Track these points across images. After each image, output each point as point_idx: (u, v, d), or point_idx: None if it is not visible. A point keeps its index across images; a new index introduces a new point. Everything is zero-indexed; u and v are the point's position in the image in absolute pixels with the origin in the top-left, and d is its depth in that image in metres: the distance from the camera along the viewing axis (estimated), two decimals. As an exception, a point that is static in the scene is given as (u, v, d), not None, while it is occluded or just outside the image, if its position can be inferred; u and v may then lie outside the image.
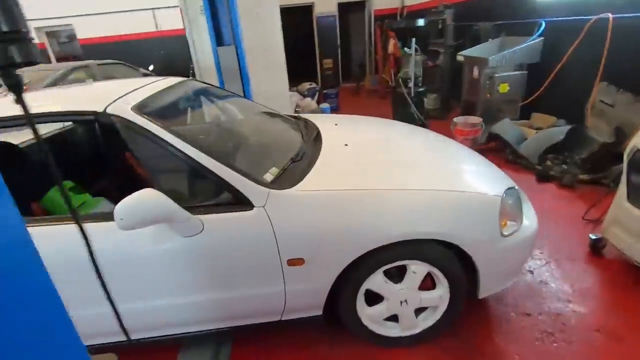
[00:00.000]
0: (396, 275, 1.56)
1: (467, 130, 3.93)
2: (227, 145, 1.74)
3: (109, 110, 1.41)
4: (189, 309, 1.49)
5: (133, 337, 1.55)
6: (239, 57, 3.27)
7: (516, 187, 1.74)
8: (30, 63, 0.63)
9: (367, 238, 1.40)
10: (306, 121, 2.31)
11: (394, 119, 4.65)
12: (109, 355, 0.80)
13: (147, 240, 1.35)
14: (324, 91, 6.84)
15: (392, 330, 1.66)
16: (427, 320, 1.66)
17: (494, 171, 1.88)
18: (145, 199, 1.21)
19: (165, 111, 1.62)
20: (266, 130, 2.15)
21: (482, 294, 1.62)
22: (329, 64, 9.36)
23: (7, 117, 1.42)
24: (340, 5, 8.96)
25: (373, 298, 1.59)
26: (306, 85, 7.28)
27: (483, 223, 1.50)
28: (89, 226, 1.26)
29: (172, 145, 1.36)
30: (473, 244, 1.48)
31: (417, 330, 1.66)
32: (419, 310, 1.64)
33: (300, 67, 9.41)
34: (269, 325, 1.60)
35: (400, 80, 4.43)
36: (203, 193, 1.43)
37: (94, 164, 2.09)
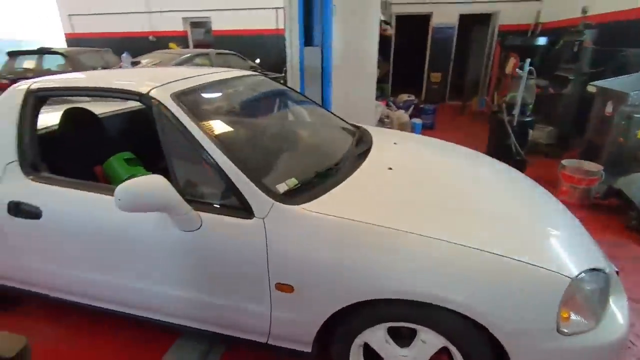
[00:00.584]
0: (406, 338, 1.28)
1: (578, 178, 3.18)
2: (252, 146, 1.66)
3: (151, 93, 1.46)
4: (176, 301, 1.46)
5: (132, 312, 1.60)
6: (324, 59, 3.21)
7: (607, 271, 1.27)
8: None
9: (369, 285, 1.17)
10: (363, 134, 2.12)
11: (486, 148, 4.07)
12: (18, 337, 0.78)
13: (148, 223, 1.35)
14: (421, 106, 6.40)
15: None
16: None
17: (583, 241, 1.42)
18: (150, 185, 1.20)
19: (204, 102, 1.62)
20: (308, 136, 2.03)
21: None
22: (437, 78, 8.79)
23: (72, 87, 1.58)
24: (462, 17, 8.30)
25: (375, 357, 1.33)
26: (404, 97, 6.95)
27: (533, 308, 1.11)
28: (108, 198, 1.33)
29: (192, 136, 1.34)
30: (511, 332, 1.11)
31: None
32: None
33: (404, 78, 9.07)
34: (257, 344, 1.48)
35: (504, 104, 3.82)
36: (212, 190, 1.37)
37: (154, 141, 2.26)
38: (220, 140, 1.36)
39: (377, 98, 7.12)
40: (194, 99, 1.55)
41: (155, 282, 1.45)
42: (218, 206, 1.33)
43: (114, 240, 1.44)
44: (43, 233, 1.53)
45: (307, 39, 3.29)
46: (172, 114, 1.39)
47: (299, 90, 3.39)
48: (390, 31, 8.10)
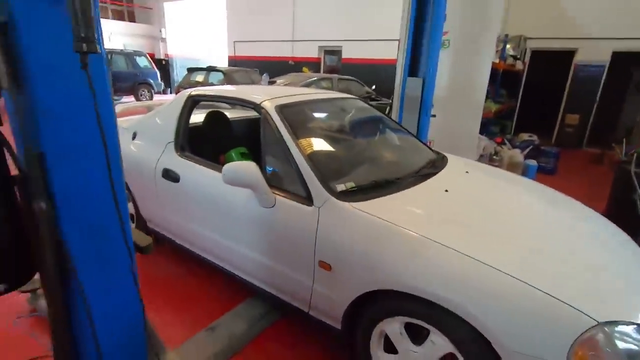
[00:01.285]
0: (420, 337, 1.41)
1: None
2: (327, 152, 2.01)
3: (262, 104, 1.97)
4: (250, 261, 1.89)
5: (223, 264, 2.10)
6: (425, 90, 3.40)
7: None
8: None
9: (389, 276, 1.37)
10: (439, 160, 2.27)
11: (607, 201, 3.55)
12: (147, 236, 1.27)
13: (242, 195, 1.81)
14: (542, 147, 5.83)
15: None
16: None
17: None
18: (245, 168, 1.67)
19: (299, 114, 2.06)
20: (379, 152, 2.28)
21: None
22: (574, 121, 7.79)
23: (216, 95, 2.23)
24: (616, 54, 7.24)
25: (392, 348, 1.50)
26: (524, 136, 6.44)
27: (544, 338, 1.14)
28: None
29: (282, 138, 1.77)
30: (516, 355, 1.16)
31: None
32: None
33: (532, 117, 8.30)
34: (300, 313, 1.78)
35: (636, 155, 3.30)
36: (287, 180, 1.77)
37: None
38: (302, 145, 1.76)
39: (494, 134, 6.78)
40: (291, 111, 2.00)
41: (239, 243, 1.91)
42: (289, 192, 1.71)
43: (219, 205, 1.96)
44: (178, 193, 2.18)
45: (414, 70, 3.53)
46: (273, 120, 1.86)
47: (396, 116, 3.64)
48: (520, 66, 7.61)
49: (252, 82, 8.74)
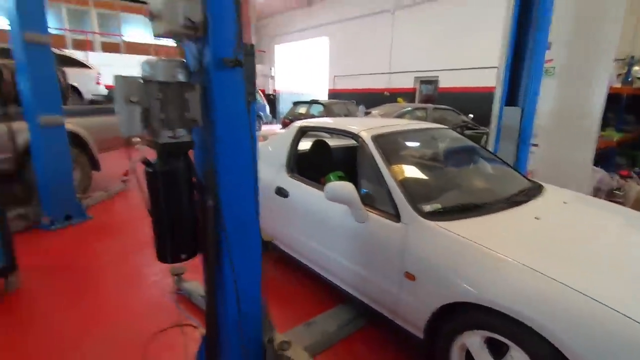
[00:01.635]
0: (501, 353, 1.48)
1: None
2: (417, 177, 2.20)
3: (360, 134, 2.30)
4: (344, 270, 2.17)
5: (321, 272, 2.43)
6: (524, 119, 3.34)
7: None
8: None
9: (469, 290, 1.49)
10: (534, 189, 2.27)
11: None
12: (267, 235, 1.65)
13: (339, 211, 2.13)
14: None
15: (479, 407, 1.56)
16: None
17: None
18: (343, 187, 2.00)
19: (392, 143, 2.33)
20: (469, 178, 2.36)
21: None
22: None
23: (320, 126, 2.65)
24: None
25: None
26: (660, 170, 5.49)
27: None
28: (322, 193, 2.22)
29: (376, 164, 2.06)
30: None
31: None
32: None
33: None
34: (386, 320, 1.97)
35: None
36: (379, 199, 2.03)
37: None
38: (393, 170, 2.02)
39: (619, 167, 5.93)
40: (385, 140, 2.28)
41: (335, 252, 2.22)
42: (380, 210, 1.97)
43: (319, 218, 2.32)
44: (287, 207, 2.61)
45: (512, 98, 3.50)
46: (368, 148, 2.17)
47: (493, 145, 3.62)
48: (655, 90, 6.57)
49: (349, 113, 9.34)
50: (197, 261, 1.51)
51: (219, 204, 1.39)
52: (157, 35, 1.32)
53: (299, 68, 17.50)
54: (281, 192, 2.66)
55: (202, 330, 1.97)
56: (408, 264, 1.75)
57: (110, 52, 15.12)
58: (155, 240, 1.43)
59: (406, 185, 1.96)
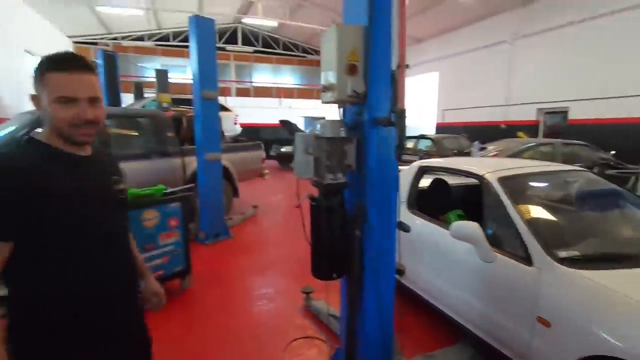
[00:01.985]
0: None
1: None
2: (550, 221, 2.14)
3: (485, 176, 2.39)
4: (468, 307, 2.21)
5: (443, 308, 2.51)
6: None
7: None
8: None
9: (612, 342, 1.43)
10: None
11: None
12: (401, 264, 1.86)
13: (464, 248, 2.23)
14: None
15: None
16: None
17: None
18: (469, 227, 2.11)
19: (520, 185, 2.34)
20: (613, 227, 2.16)
21: None
22: None
23: (440, 167, 2.80)
24: None
25: None
26: None
27: None
28: (445, 231, 2.36)
29: (504, 207, 2.12)
30: None
31: None
32: None
33: None
34: (515, 366, 1.94)
35: None
36: (508, 241, 2.06)
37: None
38: (523, 212, 2.05)
39: None
40: (513, 182, 2.31)
41: (458, 288, 2.30)
42: (508, 252, 2.00)
43: (443, 254, 2.43)
44: (408, 241, 2.79)
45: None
46: (495, 191, 2.24)
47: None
48: None
49: (461, 148, 9.06)
50: (323, 283, 1.81)
51: (364, 234, 1.69)
52: (325, 103, 1.74)
53: (407, 103, 17.72)
54: (402, 226, 2.85)
55: (331, 345, 2.26)
56: (542, 309, 1.75)
57: (242, 96, 17.90)
58: (312, 260, 1.79)
59: (537, 228, 1.96)
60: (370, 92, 1.58)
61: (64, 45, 14.81)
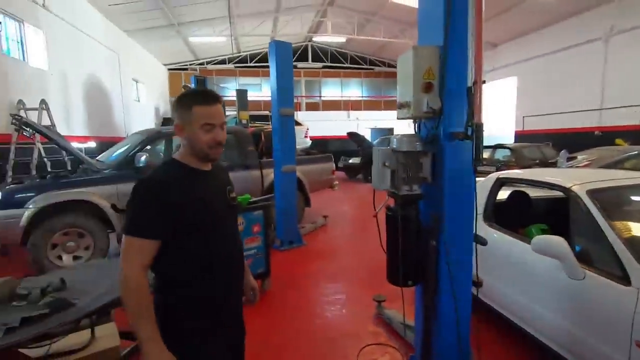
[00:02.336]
0: None
1: None
2: None
3: (572, 188, 2.26)
4: (551, 325, 2.10)
5: (523, 325, 2.41)
6: None
7: None
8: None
9: None
10: None
11: None
12: (479, 277, 1.85)
13: (549, 264, 2.12)
14: None
15: None
16: None
17: None
18: (554, 241, 2.02)
19: (614, 197, 2.17)
20: None
21: None
22: None
23: (518, 178, 2.69)
24: None
25: None
26: None
27: None
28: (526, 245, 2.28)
29: (596, 222, 1.99)
30: None
31: None
32: None
33: None
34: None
35: None
36: (599, 258, 1.93)
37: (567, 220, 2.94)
38: (618, 228, 1.91)
39: None
40: (605, 195, 2.16)
41: (542, 306, 2.19)
42: (600, 270, 1.88)
43: (524, 269, 2.34)
44: (487, 254, 2.73)
45: None
46: (584, 204, 2.11)
47: None
48: None
49: (544, 157, 8.32)
50: (394, 292, 1.88)
51: (440, 244, 1.75)
52: (401, 119, 1.85)
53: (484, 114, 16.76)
54: (478, 239, 2.79)
55: (404, 352, 2.31)
56: (641, 332, 1.61)
57: (311, 110, 18.64)
58: (388, 267, 1.90)
59: (636, 245, 1.81)
60: (445, 108, 1.66)
61: (162, 72, 17.07)
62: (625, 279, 1.75)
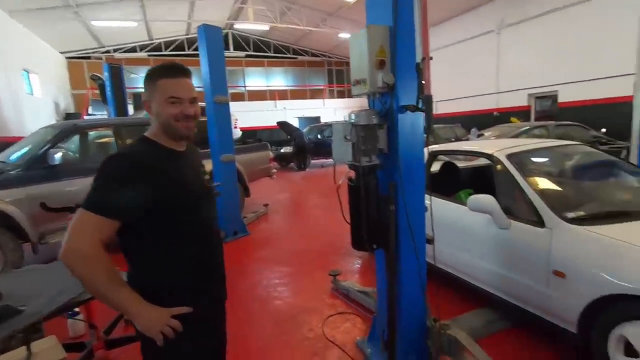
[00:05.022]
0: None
1: None
2: (555, 189, 2.40)
3: (495, 154, 2.64)
4: (488, 273, 2.46)
5: (465, 277, 2.76)
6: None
7: None
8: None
9: (618, 283, 1.69)
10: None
11: None
12: (430, 234, 2.10)
13: (481, 220, 2.47)
14: None
15: (645, 397, 1.69)
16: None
17: None
18: (485, 199, 2.36)
19: (525, 159, 2.60)
20: (610, 189, 2.43)
21: None
22: None
23: (451, 150, 3.05)
24: None
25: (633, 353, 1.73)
26: None
27: None
28: (461, 207, 2.60)
29: (514, 179, 2.37)
30: None
31: (676, 418, 1.57)
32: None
33: None
34: (535, 318, 2.19)
35: None
36: (519, 208, 2.31)
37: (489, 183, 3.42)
38: (532, 182, 2.31)
39: None
40: (519, 157, 2.57)
41: (478, 256, 2.54)
42: (521, 218, 2.26)
43: (461, 227, 2.68)
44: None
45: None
46: (504, 165, 2.49)
47: (636, 159, 3.47)
48: None
49: (457, 136, 9.36)
50: (346, 267, 2.05)
51: (398, 208, 1.92)
52: (357, 95, 1.97)
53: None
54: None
55: (364, 317, 2.50)
56: (556, 263, 2.00)
57: (237, 100, 18.07)
58: (353, 235, 2.02)
59: (547, 195, 2.22)
60: (398, 83, 1.81)
61: (59, 61, 14.88)
62: (540, 223, 2.13)
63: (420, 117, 1.89)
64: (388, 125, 1.91)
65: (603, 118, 8.46)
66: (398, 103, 1.84)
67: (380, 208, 1.98)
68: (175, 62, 1.23)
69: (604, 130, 7.38)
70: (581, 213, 2.09)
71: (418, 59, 1.83)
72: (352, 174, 1.99)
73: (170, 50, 17.18)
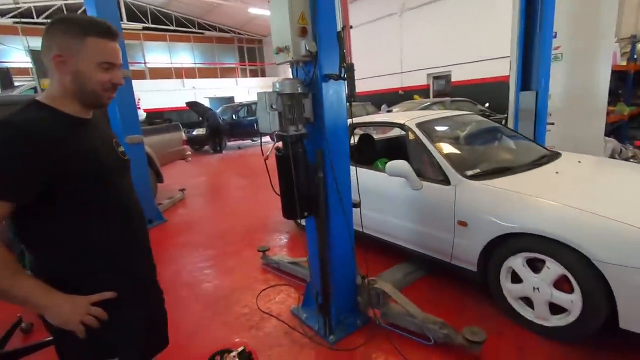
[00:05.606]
0: (538, 269, 2.03)
1: None
2: (457, 151, 2.77)
3: (406, 123, 2.88)
4: (404, 230, 2.74)
5: (385, 237, 3.00)
6: (538, 102, 3.84)
7: None
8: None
9: (510, 225, 2.05)
10: (553, 154, 2.82)
11: None
12: (355, 200, 2.24)
13: (397, 184, 2.71)
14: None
15: (526, 312, 2.10)
16: (559, 321, 1.96)
17: None
18: (400, 164, 2.58)
19: (433, 127, 2.91)
20: (499, 150, 2.92)
21: (623, 323, 1.73)
22: None
23: (367, 122, 3.24)
24: None
25: (517, 279, 2.13)
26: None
27: (629, 251, 1.68)
28: (379, 174, 2.81)
29: (424, 145, 2.64)
30: (611, 266, 1.71)
31: (547, 324, 2.00)
32: (556, 311, 1.98)
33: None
34: (444, 265, 2.53)
35: None
36: (429, 170, 2.60)
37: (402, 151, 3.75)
38: (438, 146, 2.60)
39: (635, 138, 6.34)
40: (427, 125, 2.86)
41: (396, 217, 2.80)
42: (431, 179, 2.54)
43: (379, 192, 2.90)
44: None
45: (526, 84, 4.02)
46: (415, 134, 2.75)
47: (513, 128, 4.13)
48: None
49: (368, 113, 9.92)
50: (272, 243, 2.11)
51: (326, 175, 2.00)
52: (281, 63, 1.95)
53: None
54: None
55: (298, 286, 2.58)
56: (460, 214, 2.32)
57: (137, 79, 16.20)
58: (284, 205, 2.04)
59: (450, 157, 2.53)
60: (320, 51, 1.84)
61: None
62: (446, 181, 2.43)
63: (343, 86, 1.96)
64: (313, 94, 1.94)
65: (487, 94, 9.83)
66: (322, 72, 1.87)
67: (309, 176, 2.03)
68: (106, 21, 1.04)
69: (487, 104, 8.61)
70: (477, 170, 2.44)
71: (339, 27, 1.87)
72: (279, 146, 1.99)
73: (45, 18, 14.46)
